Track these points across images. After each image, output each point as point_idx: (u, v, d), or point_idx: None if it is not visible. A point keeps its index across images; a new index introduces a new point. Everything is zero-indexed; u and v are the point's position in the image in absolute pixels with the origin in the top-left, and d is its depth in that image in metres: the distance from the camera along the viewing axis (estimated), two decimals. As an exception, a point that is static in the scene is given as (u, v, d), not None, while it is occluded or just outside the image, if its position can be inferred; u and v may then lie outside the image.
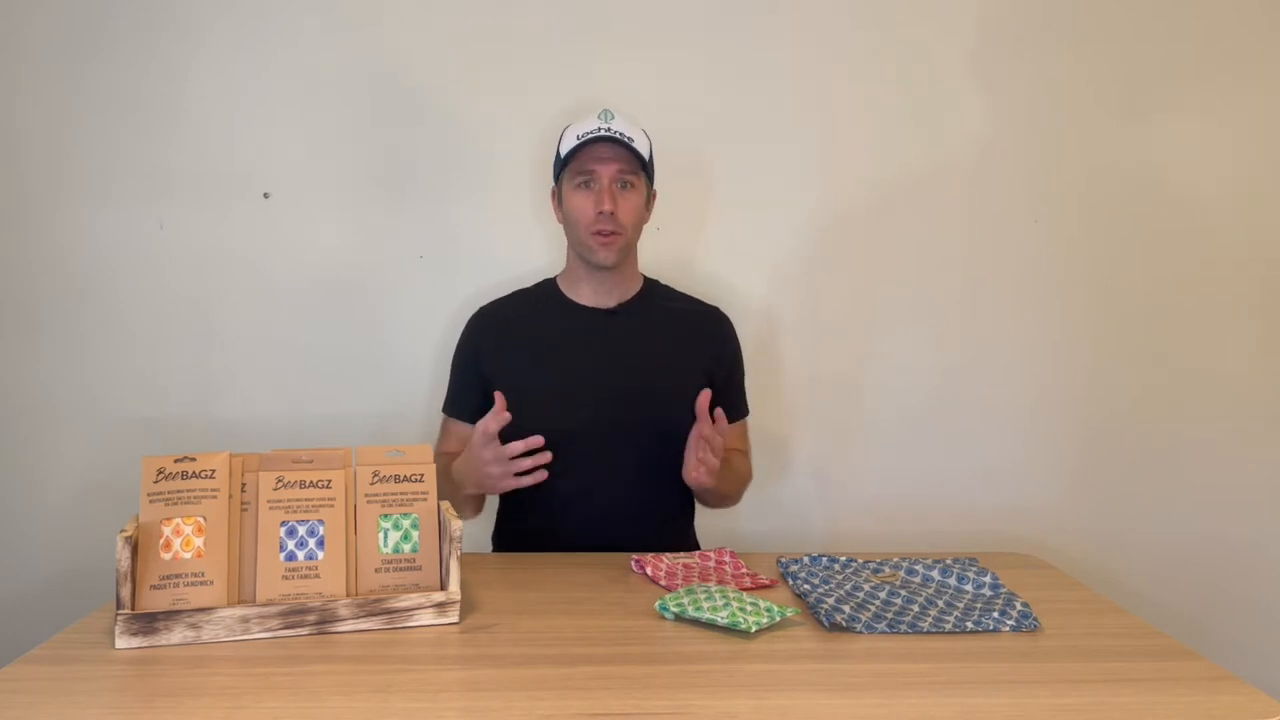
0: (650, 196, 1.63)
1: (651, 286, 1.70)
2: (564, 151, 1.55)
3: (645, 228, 1.65)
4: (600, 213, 1.51)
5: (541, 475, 1.42)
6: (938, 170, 1.97)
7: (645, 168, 1.55)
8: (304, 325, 1.93)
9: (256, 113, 1.89)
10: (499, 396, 1.42)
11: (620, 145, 1.51)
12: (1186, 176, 2.00)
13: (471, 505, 1.60)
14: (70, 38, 1.86)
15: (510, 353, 1.61)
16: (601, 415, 1.55)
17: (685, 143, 1.90)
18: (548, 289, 1.68)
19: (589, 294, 1.63)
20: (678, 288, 1.74)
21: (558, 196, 1.62)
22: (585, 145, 1.51)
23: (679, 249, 1.94)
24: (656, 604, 1.23)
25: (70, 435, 1.92)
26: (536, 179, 1.91)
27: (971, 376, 2.01)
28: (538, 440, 1.40)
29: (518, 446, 1.39)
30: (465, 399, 1.64)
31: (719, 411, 1.41)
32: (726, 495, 1.65)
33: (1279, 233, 2.01)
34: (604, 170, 1.52)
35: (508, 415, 1.39)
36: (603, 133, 1.50)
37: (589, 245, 1.55)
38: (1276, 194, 2.01)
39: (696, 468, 1.44)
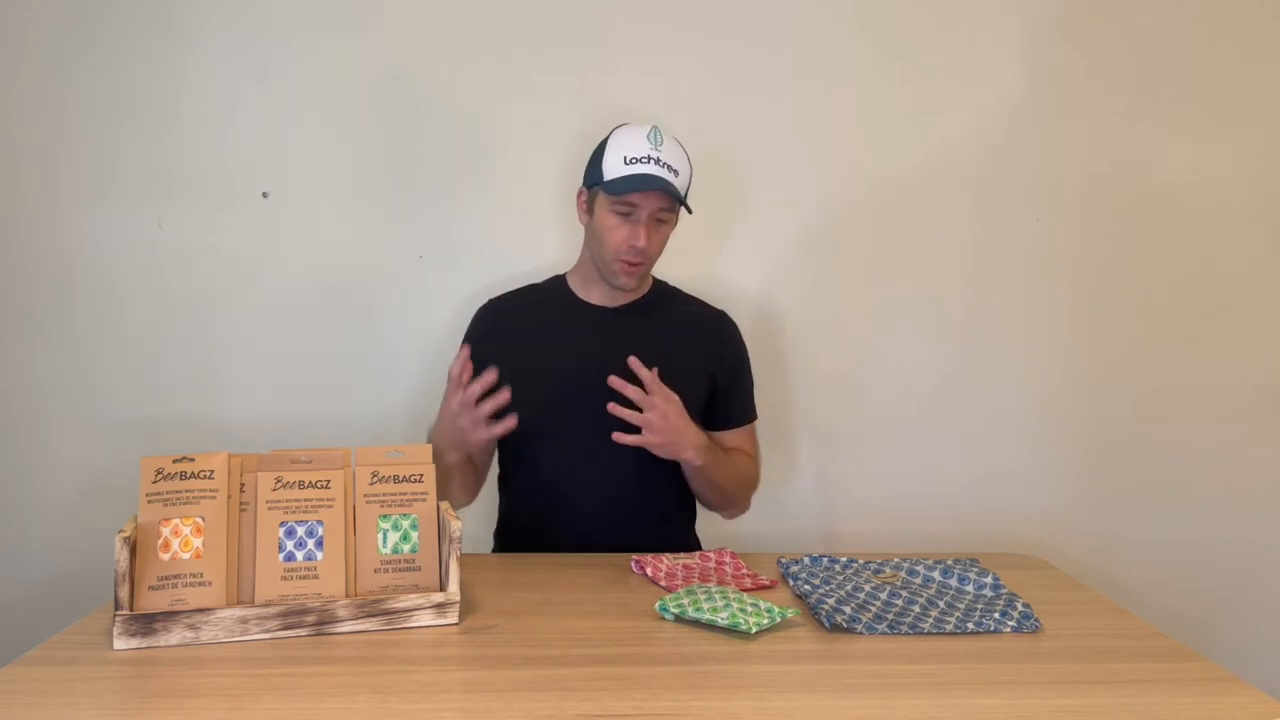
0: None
1: (660, 288, 1.70)
2: (609, 173, 1.51)
3: None
4: (632, 246, 1.51)
5: (510, 421, 1.42)
6: (939, 170, 1.97)
7: (683, 199, 1.53)
8: (303, 325, 1.93)
9: (255, 112, 1.89)
10: (491, 371, 1.43)
11: (670, 182, 1.49)
12: (1189, 177, 2.00)
13: (463, 487, 1.59)
14: (68, 36, 1.85)
15: (514, 348, 1.61)
16: (603, 414, 1.54)
17: (686, 142, 1.88)
18: (557, 285, 1.68)
19: (599, 294, 1.63)
20: (685, 289, 1.73)
21: (587, 202, 1.58)
22: (633, 176, 1.48)
23: (679, 248, 1.93)
24: (657, 605, 1.22)
25: (68, 435, 1.92)
26: (536, 179, 1.91)
27: (973, 377, 2.01)
28: (492, 377, 1.40)
29: (475, 389, 1.40)
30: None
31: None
32: (721, 488, 1.62)
33: (1281, 233, 2.02)
34: (646, 206, 1.50)
35: (491, 380, 1.41)
36: (652, 164, 1.48)
37: (613, 269, 1.55)
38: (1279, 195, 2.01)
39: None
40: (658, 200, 1.50)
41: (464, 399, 1.41)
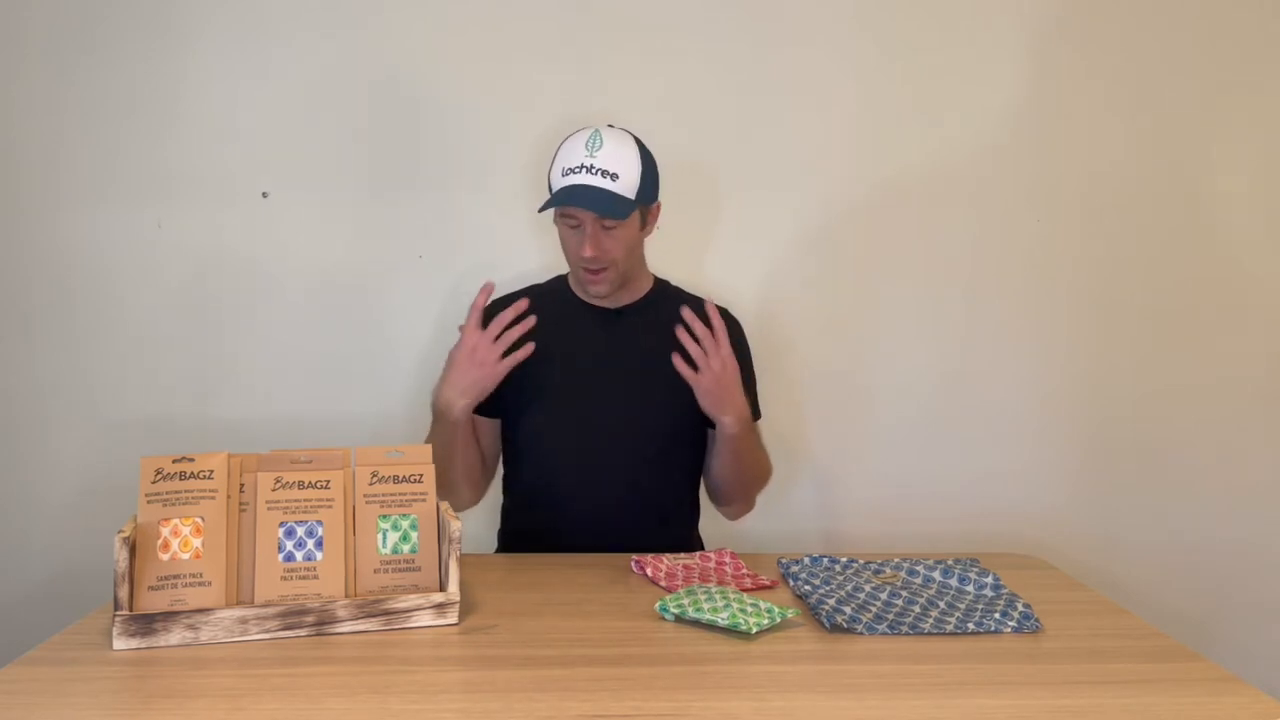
0: (652, 210, 1.58)
1: (662, 287, 1.69)
2: (552, 186, 1.51)
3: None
4: (582, 256, 1.49)
5: (529, 347, 1.44)
6: (939, 171, 1.97)
7: (633, 201, 1.49)
8: (303, 325, 1.93)
9: (255, 112, 1.89)
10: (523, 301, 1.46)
11: (601, 190, 1.44)
12: (1191, 176, 2.00)
13: (466, 472, 1.57)
14: (68, 36, 1.85)
15: (517, 346, 1.61)
16: (605, 414, 1.55)
17: (688, 142, 1.89)
18: (558, 286, 1.68)
19: None
20: (687, 289, 1.73)
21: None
22: (564, 189, 1.46)
23: (681, 249, 1.93)
24: (657, 605, 1.22)
25: (68, 435, 1.92)
26: (537, 179, 1.90)
27: (973, 377, 2.01)
28: (523, 304, 1.44)
29: (507, 315, 1.43)
30: None
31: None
32: (747, 466, 1.60)
33: (1282, 233, 2.01)
34: (585, 215, 1.47)
35: (523, 306, 1.45)
36: (584, 173, 1.45)
37: (581, 280, 1.56)
38: (1280, 194, 2.01)
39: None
40: (593, 210, 1.46)
41: (485, 335, 1.43)
